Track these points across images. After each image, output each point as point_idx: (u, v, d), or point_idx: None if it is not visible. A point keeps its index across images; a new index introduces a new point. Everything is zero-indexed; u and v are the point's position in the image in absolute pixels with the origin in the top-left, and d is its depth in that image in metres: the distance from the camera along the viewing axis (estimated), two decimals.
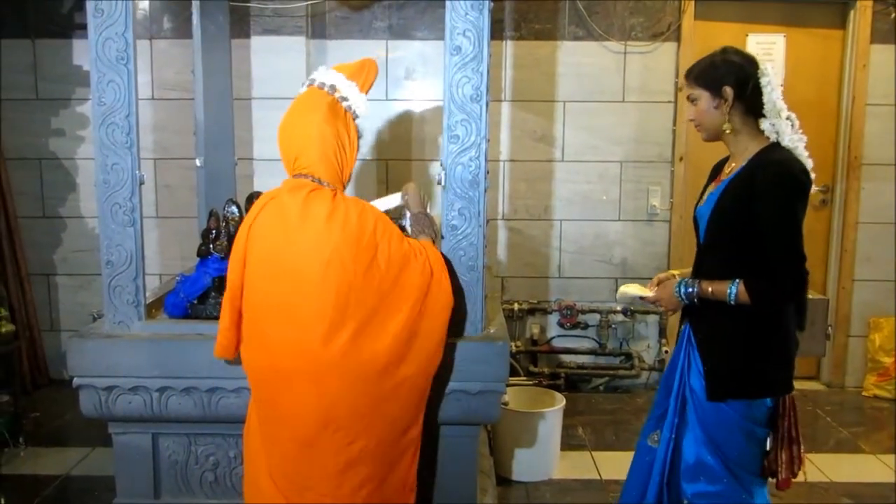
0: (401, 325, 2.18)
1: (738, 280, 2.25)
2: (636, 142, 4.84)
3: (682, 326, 2.49)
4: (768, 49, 4.86)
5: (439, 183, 2.60)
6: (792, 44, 4.86)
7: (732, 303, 2.25)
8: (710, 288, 2.31)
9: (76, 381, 2.63)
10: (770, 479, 2.40)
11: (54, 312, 4.96)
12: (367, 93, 2.40)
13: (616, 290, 2.68)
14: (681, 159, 4.82)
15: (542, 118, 4.82)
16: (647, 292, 2.53)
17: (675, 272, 2.57)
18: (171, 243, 4.59)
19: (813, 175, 2.28)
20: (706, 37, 4.74)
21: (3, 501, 3.48)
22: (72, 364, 2.64)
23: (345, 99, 2.32)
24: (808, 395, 4.81)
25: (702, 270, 2.41)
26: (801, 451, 2.37)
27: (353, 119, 2.34)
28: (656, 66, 4.78)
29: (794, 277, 2.20)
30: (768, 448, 2.35)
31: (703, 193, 2.49)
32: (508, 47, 4.72)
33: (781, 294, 2.23)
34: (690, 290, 2.35)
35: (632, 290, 2.59)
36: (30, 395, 4.60)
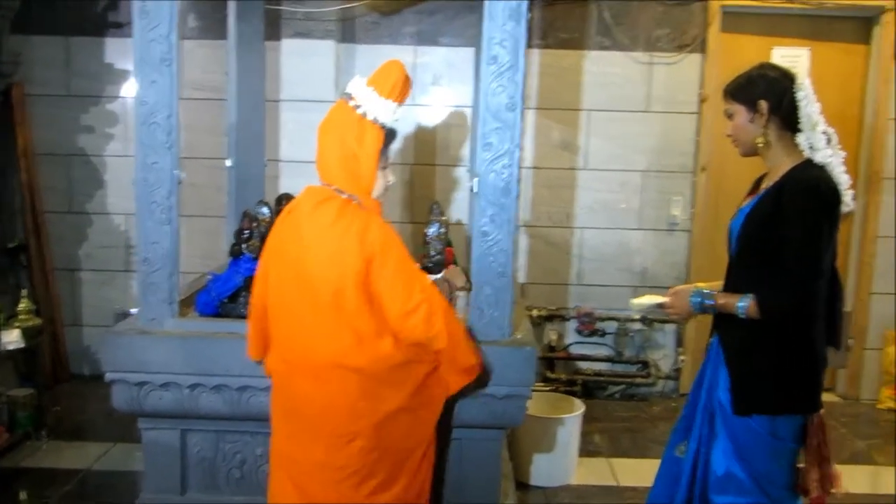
0: (390, 345, 2.22)
1: (749, 294, 2.26)
2: (659, 152, 4.86)
3: (711, 339, 2.50)
4: (793, 63, 4.86)
5: (471, 189, 2.64)
6: (816, 57, 4.88)
7: (742, 316, 2.27)
8: (721, 300, 2.34)
9: (109, 375, 2.67)
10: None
11: (77, 308, 5.00)
12: (394, 97, 2.29)
13: (633, 298, 2.67)
14: (703, 170, 4.84)
15: (566, 126, 4.84)
16: (662, 300, 2.54)
17: (701, 284, 2.58)
18: (194, 242, 4.63)
19: (852, 192, 2.27)
20: (731, 49, 4.76)
21: (26, 494, 3.53)
22: (105, 359, 2.69)
23: (358, 106, 2.26)
24: (823, 407, 4.78)
25: (731, 284, 2.42)
26: (833, 469, 2.35)
27: (375, 125, 2.26)
28: (681, 77, 4.80)
29: (806, 294, 2.20)
30: (800, 465, 2.35)
31: (738, 208, 2.50)
32: (535, 55, 4.75)
33: (789, 310, 2.23)
34: (706, 301, 2.37)
35: (645, 300, 2.61)
36: (51, 390, 4.64)
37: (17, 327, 3.88)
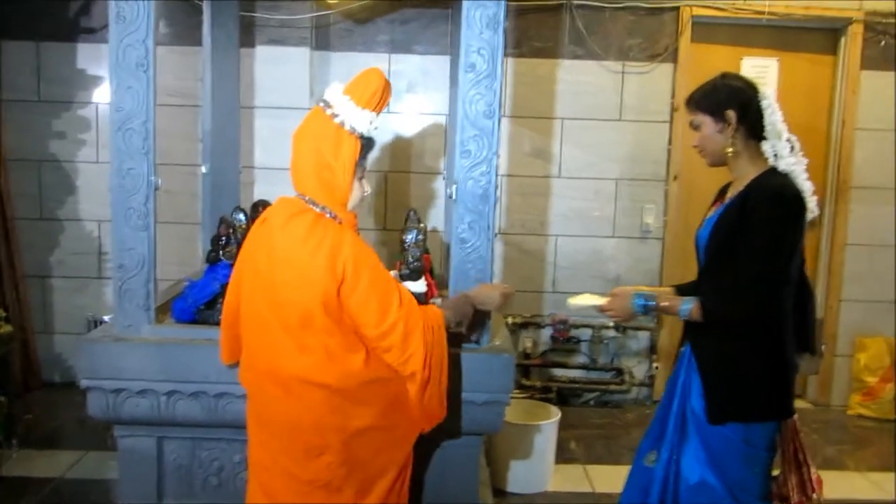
0: (361, 362, 2.16)
1: (692, 297, 2.30)
2: (632, 160, 4.91)
3: (683, 347, 2.51)
4: (762, 72, 4.95)
5: (449, 196, 2.65)
6: (785, 68, 4.97)
7: (684, 319, 2.31)
8: (665, 302, 2.37)
9: (84, 382, 2.64)
10: None
11: (49, 315, 4.95)
12: (373, 106, 2.22)
13: (571, 298, 2.65)
14: (675, 178, 4.90)
15: (540, 134, 4.89)
16: (600, 300, 2.54)
17: (644, 288, 2.56)
18: (169, 249, 4.59)
19: (815, 198, 2.31)
20: (702, 59, 4.83)
21: None
22: (80, 366, 2.66)
23: (336, 115, 2.17)
24: (796, 413, 4.84)
25: (699, 293, 2.41)
26: (812, 473, 2.39)
27: (352, 134, 2.19)
28: (653, 86, 4.87)
29: (752, 299, 2.22)
30: (776, 473, 2.38)
31: (704, 217, 2.53)
32: (509, 64, 4.79)
33: (732, 314, 2.26)
34: (649, 303, 2.39)
35: (583, 300, 2.61)
36: (22, 398, 4.59)
37: None
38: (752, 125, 2.33)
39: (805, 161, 2.35)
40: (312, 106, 4.45)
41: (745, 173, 2.36)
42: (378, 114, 2.26)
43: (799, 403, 5.06)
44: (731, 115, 2.33)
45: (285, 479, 2.21)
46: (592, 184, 4.92)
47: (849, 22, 4.87)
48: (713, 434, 2.34)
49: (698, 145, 2.43)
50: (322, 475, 2.18)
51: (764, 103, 2.33)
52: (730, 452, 2.32)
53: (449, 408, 2.35)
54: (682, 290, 2.53)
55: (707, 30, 4.90)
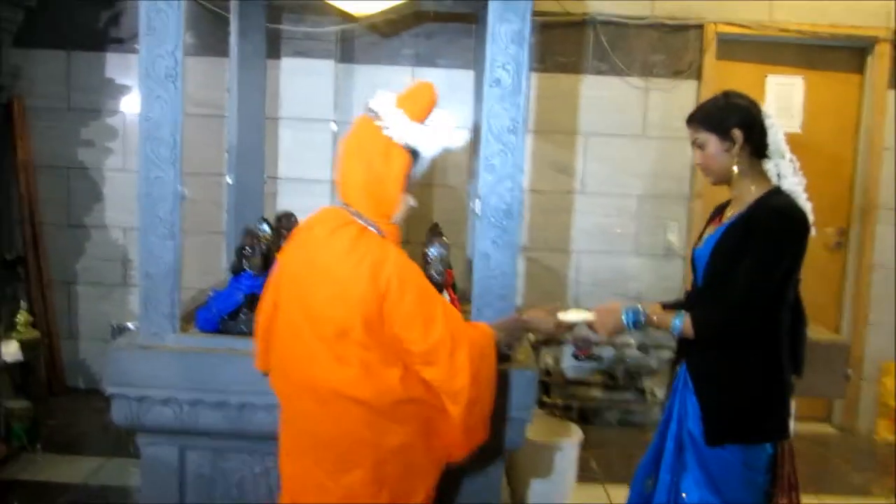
0: (397, 378, 2.12)
1: (684, 312, 2.28)
2: (655, 176, 4.90)
3: (678, 367, 2.48)
4: (787, 91, 4.94)
5: (473, 211, 2.66)
6: (811, 86, 4.95)
7: (676, 334, 2.29)
8: (655, 317, 2.35)
9: (109, 389, 2.65)
10: None
11: (73, 321, 5.00)
12: (423, 119, 2.20)
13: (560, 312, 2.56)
14: (698, 196, 4.88)
15: (563, 150, 4.89)
16: (589, 315, 2.50)
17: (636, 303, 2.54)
18: (193, 258, 4.62)
19: (812, 217, 2.29)
20: (726, 76, 4.82)
21: None
22: (105, 373, 2.69)
23: (387, 128, 2.14)
24: (819, 439, 4.82)
25: (690, 308, 2.39)
26: (799, 497, 2.36)
27: (403, 148, 2.16)
28: (677, 102, 4.86)
29: (741, 318, 2.21)
30: (769, 494, 2.35)
31: (701, 235, 2.51)
32: (532, 79, 4.79)
33: (723, 329, 2.25)
34: (640, 318, 2.36)
35: (572, 315, 2.54)
36: (47, 403, 4.63)
37: (15, 339, 3.88)
38: (757, 144, 2.33)
39: (804, 181, 2.34)
40: (333, 118, 4.51)
41: (746, 192, 2.35)
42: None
43: (824, 428, 5.02)
44: (738, 133, 2.31)
45: (318, 493, 2.18)
46: (615, 200, 4.92)
47: (875, 41, 4.85)
48: (711, 456, 2.32)
49: (702, 164, 2.41)
50: (354, 490, 2.15)
51: (767, 122, 2.33)
52: (729, 475, 2.30)
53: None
54: (670, 308, 2.49)
55: (732, 47, 4.89)
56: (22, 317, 4.06)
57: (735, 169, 2.34)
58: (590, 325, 2.51)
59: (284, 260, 2.30)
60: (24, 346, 3.93)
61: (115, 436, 4.09)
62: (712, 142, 2.35)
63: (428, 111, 2.22)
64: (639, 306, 2.40)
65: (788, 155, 2.32)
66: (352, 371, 2.10)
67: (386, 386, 2.11)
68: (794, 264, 2.24)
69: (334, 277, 2.10)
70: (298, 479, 2.24)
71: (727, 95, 2.41)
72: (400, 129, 2.15)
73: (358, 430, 2.14)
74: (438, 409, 2.17)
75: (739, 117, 2.32)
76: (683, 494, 2.38)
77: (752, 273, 2.19)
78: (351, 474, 2.15)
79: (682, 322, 2.27)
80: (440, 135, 2.23)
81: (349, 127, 2.30)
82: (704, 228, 2.52)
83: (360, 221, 2.18)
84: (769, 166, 2.32)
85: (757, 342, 2.26)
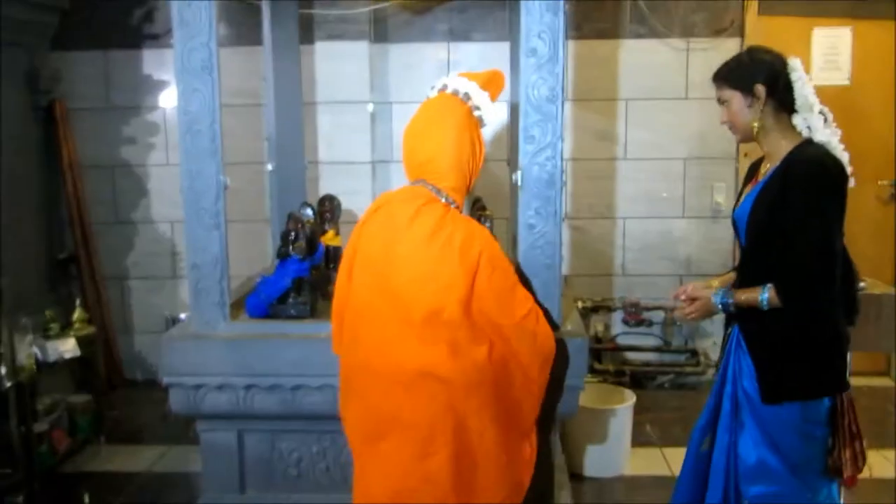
0: (484, 355, 2.16)
1: (768, 285, 2.24)
2: (700, 138, 4.82)
3: (730, 329, 2.46)
4: (834, 42, 4.80)
5: (514, 183, 2.64)
6: (859, 37, 4.80)
7: (765, 308, 2.24)
8: (742, 296, 2.31)
9: (166, 379, 2.72)
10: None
11: (128, 315, 5.10)
12: (495, 101, 2.39)
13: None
14: (745, 155, 4.77)
15: (604, 117, 4.83)
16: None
17: (714, 282, 2.54)
18: (239, 247, 4.67)
19: (850, 169, 2.24)
20: (770, 32, 4.70)
21: (89, 497, 3.61)
22: (161, 363, 2.73)
23: (477, 108, 2.31)
24: (877, 392, 4.73)
25: (747, 274, 2.38)
26: (863, 446, 2.32)
27: (481, 128, 2.34)
28: (719, 62, 4.65)
29: (823, 275, 2.16)
30: (830, 446, 2.32)
31: (739, 195, 2.48)
32: (570, 46, 4.73)
33: (811, 293, 2.20)
34: (726, 300, 2.34)
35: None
36: (107, 396, 4.73)
37: (73, 336, 3.96)
38: (782, 99, 2.27)
39: (839, 132, 2.28)
40: (370, 99, 4.50)
41: (777, 148, 2.31)
42: None
43: (883, 381, 4.92)
44: (761, 89, 2.27)
45: (399, 478, 2.18)
46: (660, 164, 4.85)
47: None
48: (768, 415, 2.30)
49: (727, 121, 2.39)
50: (433, 475, 2.16)
51: (794, 76, 2.26)
52: (787, 432, 2.28)
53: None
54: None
55: (773, 2, 4.76)
56: (77, 314, 4.14)
57: (755, 125, 2.30)
58: (683, 315, 2.48)
59: (361, 240, 2.27)
60: (81, 342, 4.00)
61: (175, 424, 4.17)
62: (736, 98, 2.33)
63: (498, 96, 2.40)
64: (722, 288, 2.39)
65: (818, 107, 2.26)
66: (439, 350, 2.12)
67: (474, 362, 2.14)
68: (840, 213, 2.20)
69: (421, 258, 2.13)
70: (377, 464, 2.22)
71: (751, 51, 2.38)
72: (485, 109, 2.34)
73: (441, 412, 2.14)
74: (516, 389, 2.24)
75: (762, 73, 2.27)
76: (742, 456, 2.36)
77: (810, 232, 2.16)
78: (433, 459, 2.15)
79: (767, 296, 2.24)
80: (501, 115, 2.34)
81: (416, 105, 2.36)
82: (742, 189, 2.49)
83: (441, 199, 2.23)
84: (797, 121, 2.27)
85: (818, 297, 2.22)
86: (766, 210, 2.26)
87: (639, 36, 4.76)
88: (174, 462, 3.95)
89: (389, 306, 2.16)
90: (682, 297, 2.49)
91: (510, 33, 4.12)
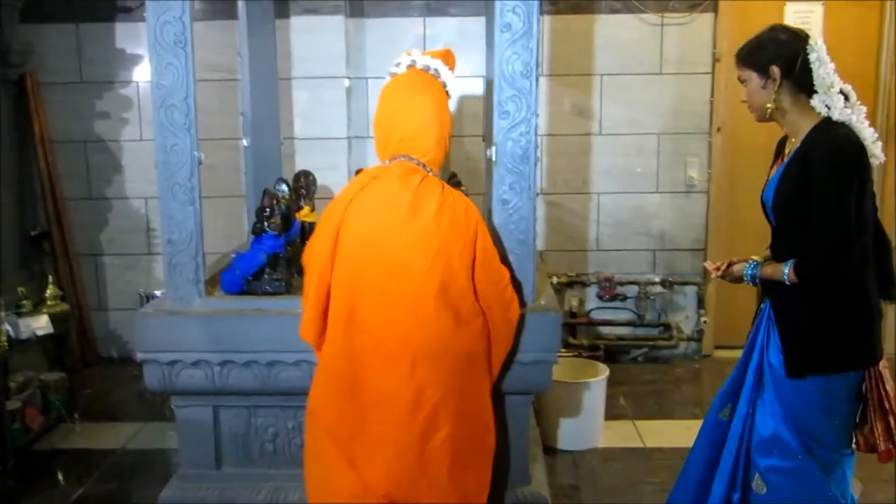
0: (481, 326, 2.31)
1: (791, 261, 2.26)
2: (674, 114, 4.84)
3: (762, 304, 2.48)
4: (805, 18, 4.82)
5: (489, 158, 2.65)
6: (830, 14, 4.82)
7: (787, 283, 2.26)
8: (768, 269, 2.34)
9: (140, 356, 2.71)
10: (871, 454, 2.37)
11: (102, 292, 5.06)
12: None
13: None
14: (718, 130, 4.82)
15: (579, 92, 4.84)
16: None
17: (756, 257, 2.51)
18: (215, 222, 4.64)
19: (880, 144, 2.27)
20: (744, 7, 4.71)
21: (61, 475, 3.60)
22: (135, 340, 2.72)
23: (445, 84, 2.44)
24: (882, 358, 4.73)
25: (776, 254, 2.41)
26: None
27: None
28: (694, 37, 4.77)
29: (840, 254, 2.17)
30: (858, 420, 2.34)
31: (768, 178, 2.47)
32: (545, 21, 4.73)
33: (825, 273, 2.22)
34: (755, 272, 2.39)
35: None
36: (81, 373, 4.72)
37: (46, 313, 3.94)
38: (799, 80, 2.27)
39: (864, 109, 2.29)
40: (346, 74, 4.47)
41: (797, 128, 2.32)
42: None
43: None
44: (776, 70, 2.27)
45: (404, 456, 2.19)
46: (634, 139, 4.87)
47: None
48: (791, 388, 2.31)
49: (746, 101, 2.40)
50: (436, 453, 2.19)
51: (812, 56, 2.25)
52: (808, 406, 2.30)
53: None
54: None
55: None
56: (50, 290, 4.12)
57: (769, 106, 2.31)
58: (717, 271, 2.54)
59: (351, 218, 2.25)
60: (54, 318, 3.98)
61: (150, 401, 4.19)
62: (753, 79, 2.34)
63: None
64: (755, 263, 2.42)
65: (838, 86, 2.26)
66: (447, 324, 2.20)
67: (475, 331, 2.26)
68: (862, 189, 2.20)
69: (428, 243, 2.18)
70: (371, 452, 2.21)
71: (772, 30, 2.36)
72: (451, 83, 2.46)
73: (446, 388, 2.19)
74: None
75: (778, 53, 2.28)
76: (758, 427, 2.40)
77: (828, 211, 2.17)
78: (437, 435, 2.19)
79: (788, 271, 2.26)
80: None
81: (384, 81, 2.47)
82: (770, 169, 2.48)
83: (430, 173, 2.31)
84: (815, 102, 2.26)
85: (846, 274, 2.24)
86: (790, 191, 2.28)
87: (614, 11, 4.76)
88: (149, 439, 3.94)
89: (400, 284, 2.18)
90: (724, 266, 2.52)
91: (486, 8, 4.11)
